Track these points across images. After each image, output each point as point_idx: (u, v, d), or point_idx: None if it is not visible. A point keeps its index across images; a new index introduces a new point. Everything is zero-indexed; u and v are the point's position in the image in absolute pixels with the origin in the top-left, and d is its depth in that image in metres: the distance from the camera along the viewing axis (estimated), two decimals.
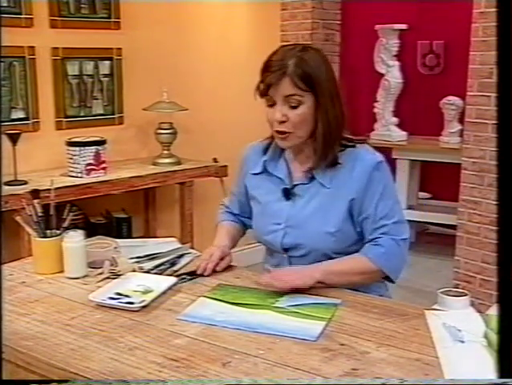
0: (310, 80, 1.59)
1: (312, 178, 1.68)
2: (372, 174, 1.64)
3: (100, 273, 1.69)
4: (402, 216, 1.69)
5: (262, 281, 1.58)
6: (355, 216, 1.66)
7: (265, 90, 1.61)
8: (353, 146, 1.68)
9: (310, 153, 1.69)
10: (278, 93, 1.59)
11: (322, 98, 1.61)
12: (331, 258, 1.66)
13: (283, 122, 1.61)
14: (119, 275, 1.66)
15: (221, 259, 1.72)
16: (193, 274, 1.68)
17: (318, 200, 1.67)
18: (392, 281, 1.68)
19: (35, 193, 1.74)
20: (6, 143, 2.71)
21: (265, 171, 1.77)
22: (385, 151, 1.77)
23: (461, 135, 3.88)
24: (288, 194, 1.71)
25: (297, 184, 1.71)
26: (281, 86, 1.58)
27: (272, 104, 1.62)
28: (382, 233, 1.64)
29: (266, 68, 1.62)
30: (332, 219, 1.65)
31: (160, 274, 1.68)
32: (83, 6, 3.26)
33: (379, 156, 1.68)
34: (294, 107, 1.60)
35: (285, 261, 1.73)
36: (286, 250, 1.71)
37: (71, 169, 3.01)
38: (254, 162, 1.80)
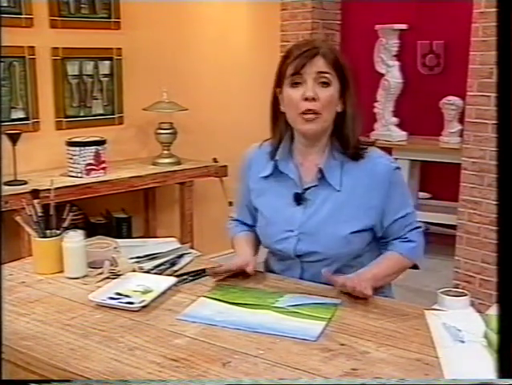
0: (339, 66, 1.61)
1: (322, 178, 1.64)
2: (393, 177, 1.65)
3: (100, 273, 1.69)
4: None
5: (347, 283, 1.52)
6: (375, 219, 1.65)
7: (299, 67, 1.58)
8: (364, 148, 1.66)
9: (320, 152, 1.66)
10: (312, 69, 1.58)
11: (347, 86, 1.63)
12: (345, 262, 1.66)
13: (313, 101, 1.58)
14: (119, 275, 1.66)
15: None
16: (195, 274, 1.68)
17: (330, 205, 1.64)
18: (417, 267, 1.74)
19: (35, 193, 1.74)
20: (6, 143, 2.71)
21: (275, 172, 1.70)
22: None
23: (461, 135, 3.87)
24: (299, 199, 1.67)
25: (307, 189, 1.66)
26: (314, 63, 1.58)
27: (297, 83, 1.59)
28: (410, 230, 1.69)
29: (296, 48, 1.62)
30: (348, 224, 1.63)
31: (160, 274, 1.68)
32: (83, 6, 3.26)
33: (391, 158, 1.71)
34: (325, 85, 1.59)
35: (297, 267, 1.70)
36: (298, 256, 1.68)
37: (71, 169, 3.01)
38: (262, 165, 1.74)
